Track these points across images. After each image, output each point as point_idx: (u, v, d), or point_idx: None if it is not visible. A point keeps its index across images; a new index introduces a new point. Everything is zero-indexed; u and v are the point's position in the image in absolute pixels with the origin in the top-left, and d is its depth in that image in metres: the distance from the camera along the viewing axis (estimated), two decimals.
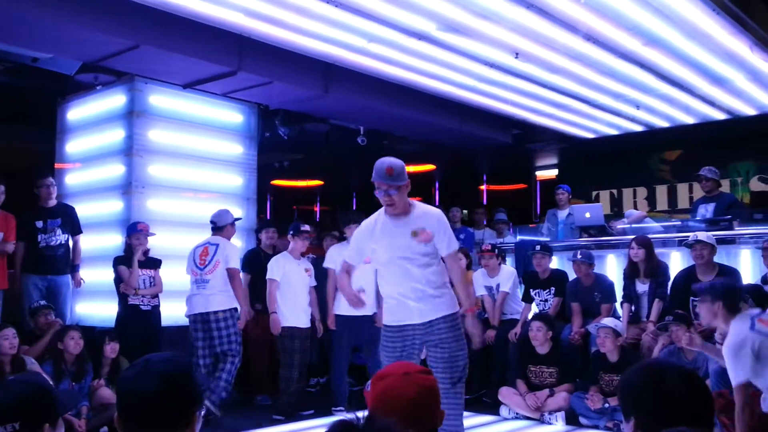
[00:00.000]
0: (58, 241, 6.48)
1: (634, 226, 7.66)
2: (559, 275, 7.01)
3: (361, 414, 1.62)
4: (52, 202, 6.55)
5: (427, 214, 3.95)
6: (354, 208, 14.18)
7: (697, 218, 7.26)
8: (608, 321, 5.94)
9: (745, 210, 8.08)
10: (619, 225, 7.81)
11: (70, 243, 6.60)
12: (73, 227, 6.62)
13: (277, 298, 6.29)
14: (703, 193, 7.66)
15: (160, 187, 6.77)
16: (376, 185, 3.82)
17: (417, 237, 3.85)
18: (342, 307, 6.04)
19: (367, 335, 6.21)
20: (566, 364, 6.17)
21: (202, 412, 1.80)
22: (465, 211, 10.86)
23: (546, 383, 6.11)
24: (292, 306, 6.30)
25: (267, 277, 6.34)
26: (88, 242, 6.74)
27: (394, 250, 3.91)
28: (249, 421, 6.03)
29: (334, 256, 6.30)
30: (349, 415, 1.60)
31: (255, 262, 6.80)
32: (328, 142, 9.09)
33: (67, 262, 6.59)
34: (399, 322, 3.94)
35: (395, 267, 3.93)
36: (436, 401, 2.04)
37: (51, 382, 3.53)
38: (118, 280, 6.15)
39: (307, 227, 6.56)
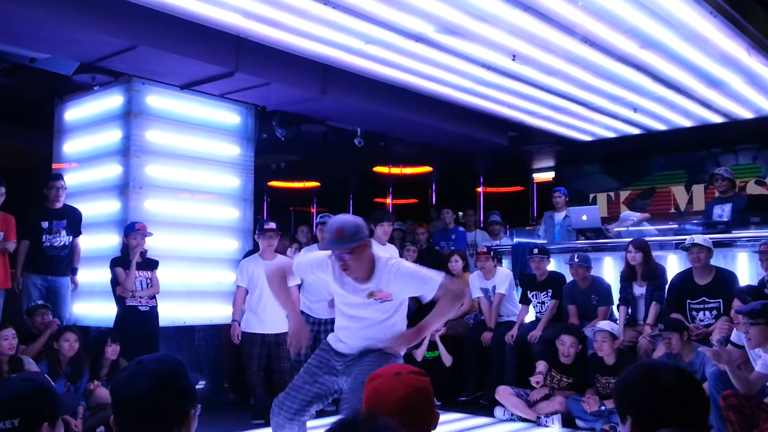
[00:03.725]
0: (62, 242, 6.49)
1: (631, 229, 7.66)
2: (556, 277, 7.01)
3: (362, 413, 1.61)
4: (59, 204, 6.56)
5: (383, 272, 3.40)
6: (350, 210, 14.18)
7: (714, 220, 7.03)
8: (605, 324, 5.94)
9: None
10: (616, 227, 7.82)
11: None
12: (76, 229, 6.63)
13: (244, 303, 6.22)
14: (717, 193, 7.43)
15: (157, 187, 6.75)
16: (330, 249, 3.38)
17: (373, 296, 3.43)
18: None
19: None
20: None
21: (197, 411, 1.80)
22: (461, 213, 10.86)
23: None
24: (256, 311, 6.18)
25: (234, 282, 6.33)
26: (84, 242, 6.73)
27: (350, 306, 3.53)
28: (243, 421, 6.03)
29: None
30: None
31: None
32: (325, 144, 9.07)
33: (69, 264, 6.61)
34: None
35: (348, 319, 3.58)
36: (428, 402, 2.03)
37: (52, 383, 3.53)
38: (115, 282, 6.12)
39: (272, 225, 6.35)
